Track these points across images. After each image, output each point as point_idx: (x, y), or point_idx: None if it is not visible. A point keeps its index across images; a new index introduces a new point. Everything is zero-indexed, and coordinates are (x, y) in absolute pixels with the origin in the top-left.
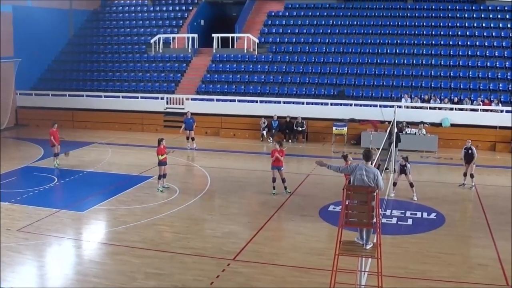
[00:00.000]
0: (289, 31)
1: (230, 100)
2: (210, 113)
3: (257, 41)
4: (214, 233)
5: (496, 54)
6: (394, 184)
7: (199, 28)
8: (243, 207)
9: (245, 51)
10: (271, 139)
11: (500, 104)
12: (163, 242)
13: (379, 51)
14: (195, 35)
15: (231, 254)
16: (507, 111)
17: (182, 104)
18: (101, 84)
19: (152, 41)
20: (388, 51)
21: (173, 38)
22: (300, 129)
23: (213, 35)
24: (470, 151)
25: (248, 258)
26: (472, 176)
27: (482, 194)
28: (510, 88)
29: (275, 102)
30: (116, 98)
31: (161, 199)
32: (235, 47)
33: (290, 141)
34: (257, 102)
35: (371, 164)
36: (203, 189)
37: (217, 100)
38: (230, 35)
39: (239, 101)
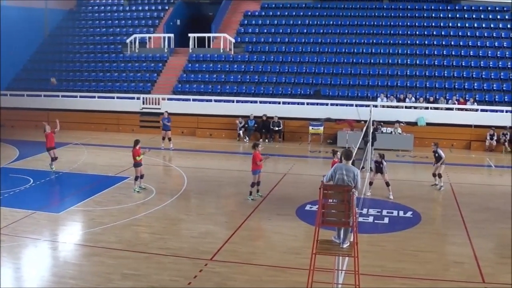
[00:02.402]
0: (265, 30)
1: (207, 100)
2: (186, 113)
3: (233, 40)
4: (191, 233)
5: (471, 54)
6: (370, 183)
7: (175, 27)
8: (220, 207)
9: (222, 50)
10: (247, 138)
11: (475, 103)
12: (140, 243)
13: (355, 50)
14: (171, 35)
15: (208, 254)
16: (482, 110)
17: (158, 104)
18: (76, 84)
19: (128, 41)
20: (364, 50)
21: (149, 37)
22: (277, 128)
23: (189, 34)
24: (436, 154)
25: (225, 258)
26: (439, 176)
27: (457, 192)
28: (485, 87)
29: (251, 101)
30: (91, 98)
31: (138, 199)
32: (211, 46)
33: (266, 140)
34: (233, 101)
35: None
36: (180, 189)
37: (194, 100)
38: (206, 34)
39: (215, 100)
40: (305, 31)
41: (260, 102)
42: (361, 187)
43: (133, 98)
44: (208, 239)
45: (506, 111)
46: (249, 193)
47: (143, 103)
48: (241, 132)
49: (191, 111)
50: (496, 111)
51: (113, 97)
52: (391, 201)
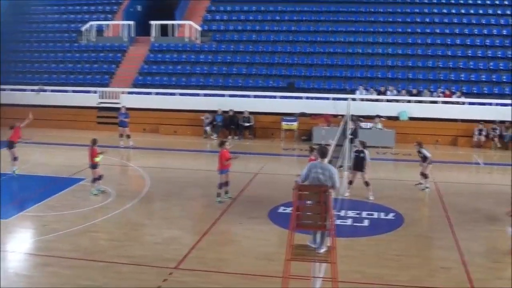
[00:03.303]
0: (234, 18)
1: (170, 94)
2: (148, 108)
3: (199, 29)
4: (154, 239)
5: (458, 42)
6: (350, 182)
7: (136, 14)
8: (186, 210)
9: (187, 40)
10: (215, 135)
11: (462, 96)
12: (98, 251)
13: (332, 39)
14: (131, 22)
15: (173, 261)
16: (470, 103)
17: (118, 98)
18: (26, 77)
19: (83, 28)
20: (341, 39)
21: (107, 25)
22: (247, 124)
23: (151, 22)
24: (420, 154)
25: (192, 265)
26: (425, 176)
27: (443, 191)
28: (472, 79)
29: (219, 95)
30: (43, 92)
31: (95, 203)
32: (175, 35)
33: (236, 137)
34: (199, 95)
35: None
36: (142, 192)
37: (156, 93)
38: (170, 22)
39: (180, 94)
40: (277, 18)
41: (229, 95)
42: (339, 186)
43: (89, 91)
44: (173, 246)
45: (496, 104)
46: (216, 195)
47: (101, 97)
48: (208, 128)
49: (154, 106)
50: (485, 104)
51: (67, 91)
52: (371, 202)
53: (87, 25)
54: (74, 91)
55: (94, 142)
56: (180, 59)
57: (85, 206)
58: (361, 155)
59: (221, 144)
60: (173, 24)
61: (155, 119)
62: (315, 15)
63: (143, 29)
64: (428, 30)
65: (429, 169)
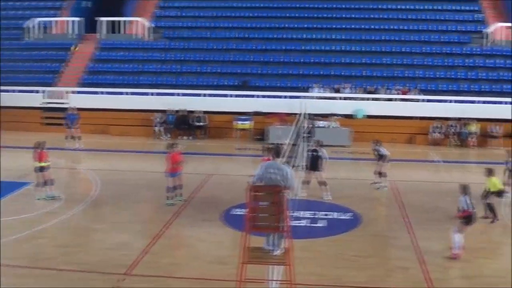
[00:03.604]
0: (186, 14)
1: (120, 93)
2: (96, 108)
3: (150, 25)
4: (104, 244)
5: (413, 39)
6: (307, 182)
7: (83, 10)
8: (137, 213)
9: (137, 37)
10: (166, 136)
11: (419, 93)
12: (44, 258)
13: (286, 36)
14: (79, 19)
15: (123, 267)
16: (426, 100)
17: (64, 98)
18: None
19: (27, 25)
20: (296, 36)
21: (53, 22)
22: (199, 124)
23: (99, 19)
24: (376, 152)
25: (144, 271)
26: (383, 175)
27: (401, 190)
28: (429, 75)
29: (171, 94)
30: None
31: (42, 208)
32: (125, 32)
33: (189, 137)
34: (150, 94)
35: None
36: (91, 195)
37: (105, 93)
38: (119, 19)
39: (130, 93)
40: (230, 14)
41: (181, 94)
42: (294, 186)
43: (34, 91)
44: (124, 251)
45: (453, 101)
46: (166, 198)
47: (46, 97)
48: (159, 128)
49: (102, 106)
50: (442, 101)
51: (11, 91)
52: (327, 202)
53: (32, 22)
54: (18, 91)
55: (40, 145)
56: (129, 57)
57: (31, 212)
58: (317, 154)
59: (171, 146)
60: (122, 21)
61: (104, 120)
62: (269, 12)
63: (91, 26)
64: (384, 27)
65: (386, 167)
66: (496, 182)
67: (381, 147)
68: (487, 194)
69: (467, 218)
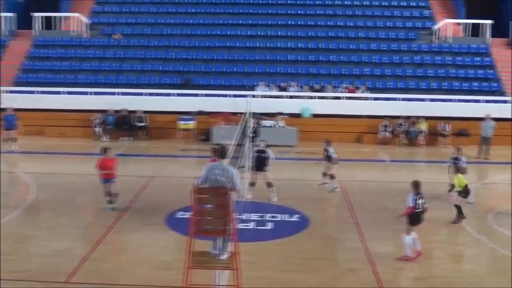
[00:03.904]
0: (125, 10)
1: (56, 93)
2: (31, 108)
3: (87, 21)
4: (42, 251)
5: (361, 36)
6: (253, 183)
7: (17, 5)
8: (76, 218)
9: (74, 33)
10: (106, 137)
11: (367, 91)
12: None
13: (230, 33)
14: (12, 14)
15: (63, 275)
16: (374, 99)
17: None
18: None
19: None
20: (240, 33)
21: None
22: (141, 124)
23: (33, 14)
24: (325, 153)
25: (85, 278)
26: (332, 177)
27: (349, 191)
28: (377, 73)
29: (110, 93)
30: None
31: None
32: (61, 29)
33: (130, 138)
34: (89, 94)
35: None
36: (27, 200)
37: (41, 92)
38: (54, 14)
39: (67, 93)
40: (172, 10)
41: (121, 94)
42: (240, 188)
43: None
44: (64, 258)
45: (401, 99)
46: (107, 202)
47: None
48: (98, 129)
49: (38, 106)
50: (390, 99)
51: None
52: (274, 203)
53: None
54: None
55: None
56: (66, 55)
57: None
58: (263, 155)
59: (103, 151)
60: (58, 17)
61: (40, 121)
62: (212, 7)
63: (25, 22)
64: (330, 23)
65: (334, 169)
66: (462, 180)
67: (331, 147)
68: (451, 189)
69: (411, 217)
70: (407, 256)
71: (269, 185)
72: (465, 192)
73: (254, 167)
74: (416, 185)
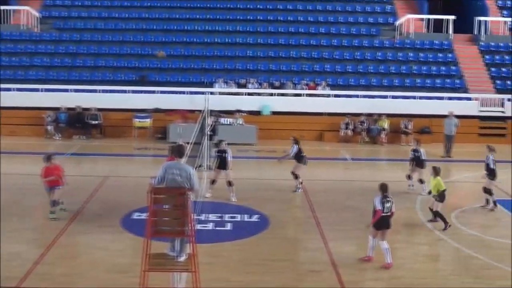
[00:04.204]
0: (78, 3)
1: (7, 89)
2: None
3: (38, 15)
4: None
5: (322, 31)
6: (214, 182)
7: None
8: (27, 221)
9: (24, 28)
10: (58, 136)
11: (327, 88)
12: None
13: (187, 28)
14: None
15: (14, 280)
16: (335, 96)
17: None
18: None
19: None
20: (198, 28)
21: None
22: (95, 122)
23: None
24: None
25: (37, 283)
26: (295, 176)
27: (310, 190)
28: (338, 70)
29: (62, 90)
30: None
31: None
32: (10, 23)
33: (83, 137)
34: (40, 90)
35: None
36: None
37: None
38: (4, 7)
39: (17, 90)
40: (127, 4)
41: (73, 90)
42: (198, 188)
43: None
44: (14, 262)
45: (362, 96)
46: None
47: None
48: (50, 127)
49: None
50: (351, 96)
51: None
52: (234, 203)
53: None
54: None
55: None
56: (16, 50)
57: None
58: (224, 154)
59: (47, 158)
60: (7, 10)
61: None
62: (168, 1)
63: None
64: (290, 18)
65: (300, 168)
66: (438, 183)
67: (297, 145)
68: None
69: (377, 220)
70: (368, 256)
71: (229, 184)
72: (440, 196)
73: (215, 165)
74: (383, 188)
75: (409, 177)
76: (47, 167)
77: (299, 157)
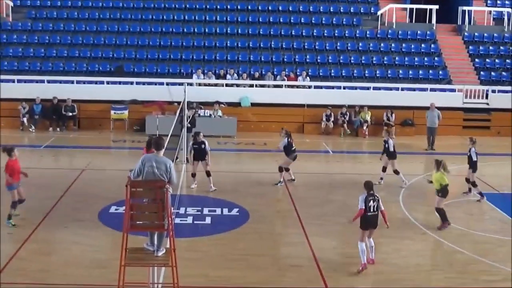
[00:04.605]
0: None
1: None
2: None
3: (11, 4)
4: None
5: (302, 21)
6: (194, 175)
7: None
8: (1, 215)
9: None
10: (33, 128)
11: (307, 79)
12: None
13: (165, 17)
14: None
15: None
16: (315, 87)
17: None
18: None
19: None
20: (175, 17)
21: None
22: (70, 114)
23: None
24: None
25: (12, 278)
26: (280, 169)
27: (290, 183)
28: (319, 60)
29: (36, 81)
30: None
31: None
32: None
33: (58, 129)
34: (13, 81)
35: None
36: None
37: None
38: None
39: None
40: None
41: (48, 81)
42: (177, 181)
43: None
44: None
45: (344, 88)
46: (7, 217)
47: None
48: (25, 119)
49: None
50: (333, 87)
51: None
52: (212, 197)
53: None
54: None
55: None
56: None
57: None
58: (203, 146)
59: (8, 152)
60: None
61: None
62: None
63: None
64: (270, 8)
65: (286, 161)
66: (440, 177)
67: (285, 138)
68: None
69: (362, 220)
70: (363, 264)
71: (208, 174)
72: (443, 191)
73: (194, 157)
74: (368, 185)
75: (384, 169)
76: (11, 161)
77: (288, 151)
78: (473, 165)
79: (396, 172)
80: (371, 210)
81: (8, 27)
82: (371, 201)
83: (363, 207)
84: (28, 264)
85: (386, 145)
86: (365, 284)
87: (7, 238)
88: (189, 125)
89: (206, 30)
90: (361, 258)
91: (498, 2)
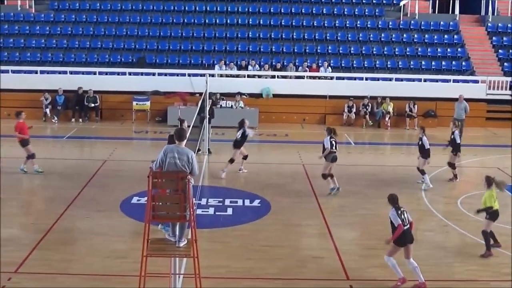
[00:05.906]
0: None
1: (2, 71)
2: None
3: None
4: None
5: (324, 12)
6: (232, 161)
7: None
8: (25, 205)
9: (19, 8)
10: (56, 118)
11: (329, 70)
12: None
13: (187, 8)
14: None
15: (12, 265)
16: (337, 78)
17: None
18: None
19: None
20: (197, 8)
21: None
22: (93, 105)
23: None
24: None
25: (34, 268)
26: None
27: (311, 175)
28: (341, 51)
29: (59, 72)
30: None
31: None
32: (5, 3)
33: (80, 120)
34: (36, 72)
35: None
36: None
37: None
38: None
39: (13, 72)
40: None
41: (70, 72)
42: (198, 172)
43: None
44: (11, 247)
45: (366, 79)
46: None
47: None
48: (47, 110)
49: None
50: (355, 78)
51: None
52: (234, 188)
53: None
54: None
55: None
56: (12, 31)
57: None
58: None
59: (16, 114)
60: None
61: None
62: None
63: None
64: None
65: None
66: (488, 197)
67: (327, 136)
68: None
69: (400, 237)
70: (401, 279)
71: (231, 161)
72: (491, 214)
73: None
74: (394, 199)
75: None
76: (21, 123)
77: (328, 152)
78: (456, 148)
79: (420, 171)
80: (406, 223)
81: (31, 18)
82: (402, 214)
83: (400, 223)
84: (51, 254)
85: (420, 143)
86: (386, 276)
87: (30, 229)
88: (208, 116)
89: (228, 21)
90: (397, 273)
91: None
